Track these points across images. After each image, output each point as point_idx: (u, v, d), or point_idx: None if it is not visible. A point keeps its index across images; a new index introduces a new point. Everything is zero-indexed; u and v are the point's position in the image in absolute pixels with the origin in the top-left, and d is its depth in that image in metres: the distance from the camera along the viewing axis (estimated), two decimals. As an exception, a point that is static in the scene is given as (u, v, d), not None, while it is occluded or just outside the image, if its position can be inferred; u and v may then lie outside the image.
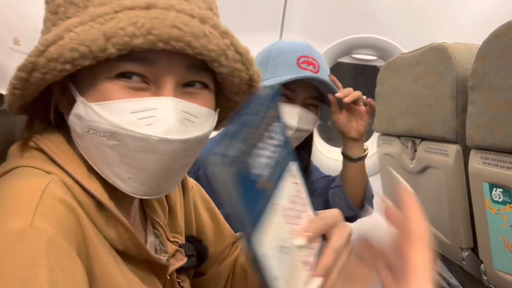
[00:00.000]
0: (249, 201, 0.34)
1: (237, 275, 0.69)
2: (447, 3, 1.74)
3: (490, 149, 0.74)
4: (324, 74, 1.05)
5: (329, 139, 2.01)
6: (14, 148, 0.48)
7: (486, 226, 0.78)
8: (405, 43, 1.75)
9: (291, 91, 1.03)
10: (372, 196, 1.23)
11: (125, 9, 0.41)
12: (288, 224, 0.40)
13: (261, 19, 1.68)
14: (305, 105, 1.05)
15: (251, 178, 0.35)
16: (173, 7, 0.42)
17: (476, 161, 0.78)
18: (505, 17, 0.73)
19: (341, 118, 1.11)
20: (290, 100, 1.04)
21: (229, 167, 0.32)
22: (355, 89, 1.10)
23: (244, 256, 0.68)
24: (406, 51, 1.13)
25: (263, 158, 0.37)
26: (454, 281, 1.06)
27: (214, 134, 0.58)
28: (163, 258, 0.53)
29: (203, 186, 0.71)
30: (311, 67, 1.02)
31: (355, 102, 1.06)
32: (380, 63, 1.87)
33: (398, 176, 0.45)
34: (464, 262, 0.91)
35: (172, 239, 0.58)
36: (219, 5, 0.52)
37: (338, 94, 1.08)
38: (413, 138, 1.07)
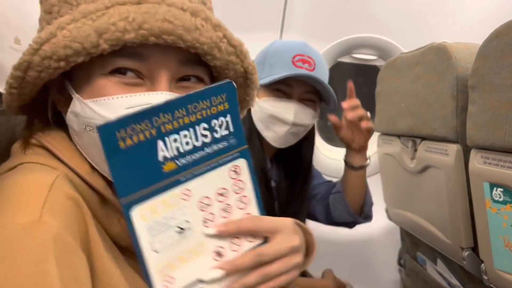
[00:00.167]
0: (124, 168, 0.36)
1: None
2: (447, 3, 1.74)
3: (491, 148, 0.74)
4: (321, 72, 1.04)
5: (329, 139, 2.01)
6: (17, 146, 0.48)
7: (486, 226, 0.78)
8: (405, 42, 1.75)
9: (288, 86, 1.03)
10: (371, 204, 1.24)
11: (116, 5, 0.41)
12: (200, 211, 0.41)
13: (262, 18, 1.68)
14: (302, 100, 1.05)
15: (152, 156, 0.37)
16: (164, 1, 0.42)
17: (476, 161, 0.78)
18: (505, 16, 0.73)
19: (343, 132, 1.12)
20: (287, 95, 1.04)
21: (102, 132, 0.35)
22: (355, 89, 1.10)
23: None
24: (406, 51, 1.13)
25: (180, 144, 0.39)
26: (454, 281, 1.07)
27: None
28: None
29: None
30: (306, 65, 1.02)
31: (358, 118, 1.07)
32: (380, 63, 1.87)
33: None
34: (464, 262, 0.91)
35: None
36: (220, 5, 0.52)
37: (344, 105, 1.09)
38: (413, 137, 1.07)
